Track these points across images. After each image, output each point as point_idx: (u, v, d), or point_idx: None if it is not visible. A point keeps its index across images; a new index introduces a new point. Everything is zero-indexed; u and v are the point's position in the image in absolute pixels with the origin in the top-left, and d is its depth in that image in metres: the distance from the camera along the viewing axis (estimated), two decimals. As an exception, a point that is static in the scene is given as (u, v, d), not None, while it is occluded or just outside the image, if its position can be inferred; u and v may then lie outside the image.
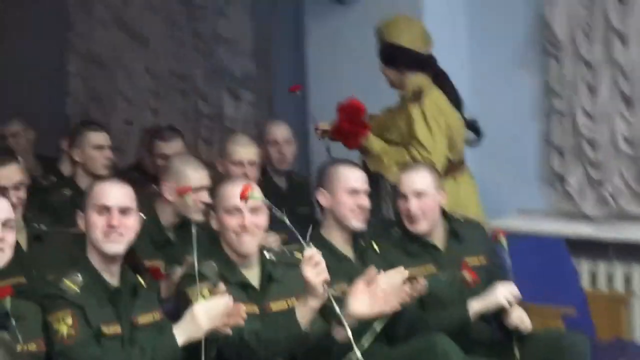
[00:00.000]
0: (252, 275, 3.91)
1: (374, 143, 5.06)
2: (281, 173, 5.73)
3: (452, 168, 5.16)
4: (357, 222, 4.27)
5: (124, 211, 3.65)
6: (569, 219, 5.77)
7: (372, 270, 3.82)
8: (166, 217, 4.62)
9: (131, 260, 3.70)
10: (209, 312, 3.48)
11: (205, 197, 4.50)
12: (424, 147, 4.97)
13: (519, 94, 5.99)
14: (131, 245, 3.68)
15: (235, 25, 7.21)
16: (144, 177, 5.86)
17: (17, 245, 4.24)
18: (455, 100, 5.21)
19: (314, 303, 3.61)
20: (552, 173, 5.88)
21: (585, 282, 5.64)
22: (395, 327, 4.07)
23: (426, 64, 5.15)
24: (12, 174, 4.46)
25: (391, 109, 5.27)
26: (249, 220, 3.87)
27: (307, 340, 3.66)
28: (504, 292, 4.22)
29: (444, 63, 5.92)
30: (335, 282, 3.89)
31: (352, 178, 4.31)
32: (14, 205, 4.23)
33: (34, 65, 8.24)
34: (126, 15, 7.66)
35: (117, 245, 3.62)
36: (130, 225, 3.66)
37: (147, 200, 4.53)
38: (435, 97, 5.10)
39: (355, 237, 4.32)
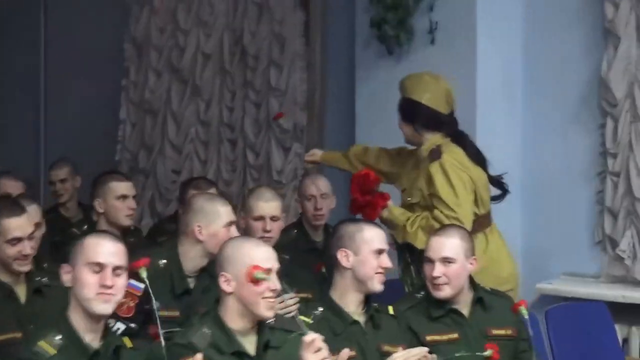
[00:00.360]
0: (249, 342, 3.65)
1: (396, 213, 4.87)
2: (317, 227, 5.58)
3: (481, 223, 4.95)
4: (379, 285, 4.14)
5: (117, 270, 3.46)
6: (619, 283, 5.58)
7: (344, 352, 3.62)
8: (190, 263, 4.47)
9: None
10: None
11: (235, 232, 4.38)
12: (448, 205, 4.77)
13: (572, 154, 5.86)
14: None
15: (287, 76, 7.12)
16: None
17: (15, 299, 4.21)
18: (476, 157, 5.01)
19: None
20: (603, 236, 5.69)
21: (635, 350, 5.42)
22: None
23: (445, 124, 4.98)
24: (26, 224, 4.31)
25: (405, 158, 5.13)
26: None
27: None
28: None
29: (498, 121, 5.84)
30: (340, 348, 3.71)
31: (378, 239, 4.17)
32: (27, 256, 4.23)
33: (87, 111, 8.24)
34: (179, 63, 7.61)
35: (108, 306, 3.41)
36: (121, 286, 3.47)
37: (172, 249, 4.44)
38: (454, 153, 4.91)
39: (368, 300, 4.17)
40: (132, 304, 4.23)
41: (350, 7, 6.39)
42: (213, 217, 4.40)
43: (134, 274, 3.95)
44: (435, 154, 4.88)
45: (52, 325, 3.38)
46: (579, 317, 5.08)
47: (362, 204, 4.81)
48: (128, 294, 4.17)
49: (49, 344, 3.30)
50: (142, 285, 4.16)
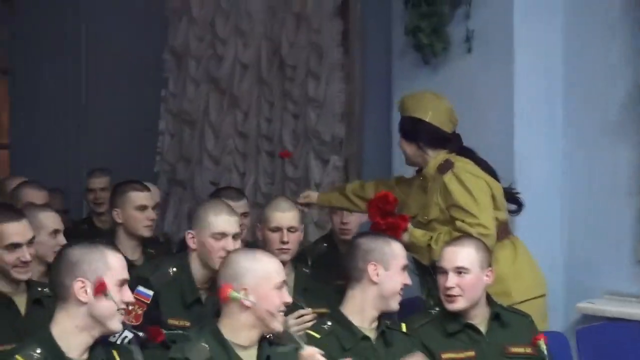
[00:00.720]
0: (249, 357, 3.56)
1: (417, 235, 4.73)
2: (345, 241, 5.44)
3: (505, 229, 4.83)
4: (397, 303, 4.06)
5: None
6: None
7: None
8: (198, 272, 4.33)
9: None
10: None
11: (231, 244, 4.25)
12: (469, 213, 4.64)
13: (615, 167, 5.62)
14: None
15: (325, 87, 6.98)
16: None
17: (15, 310, 4.08)
18: (487, 167, 4.92)
19: None
20: (647, 253, 5.46)
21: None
22: None
23: (450, 142, 4.90)
24: (25, 230, 4.17)
25: (406, 185, 5.03)
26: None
27: None
28: None
29: (537, 132, 5.67)
30: None
31: (404, 254, 4.14)
32: (26, 263, 4.10)
33: (126, 122, 8.20)
34: (218, 74, 7.51)
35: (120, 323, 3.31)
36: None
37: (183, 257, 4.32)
38: (465, 162, 4.83)
39: (380, 316, 4.05)
40: (140, 311, 4.14)
41: (387, 15, 6.23)
42: (202, 225, 4.29)
43: (142, 281, 3.86)
44: (446, 166, 4.78)
45: (33, 338, 3.24)
46: (613, 337, 4.91)
47: (384, 227, 4.66)
48: (136, 302, 4.08)
49: (26, 359, 3.13)
50: (150, 293, 4.09)
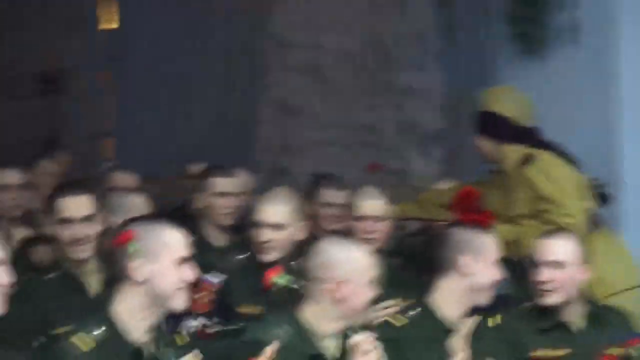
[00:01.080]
0: (331, 345, 3.40)
1: (503, 230, 4.57)
2: None
3: (596, 220, 4.68)
4: (487, 297, 3.84)
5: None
6: None
7: None
8: None
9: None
10: None
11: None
12: (555, 203, 4.51)
13: None
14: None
15: (428, 79, 6.89)
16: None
17: (84, 290, 3.95)
18: (570, 158, 4.77)
19: None
20: None
21: None
22: None
23: (529, 136, 4.77)
24: (80, 206, 3.98)
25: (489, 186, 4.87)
26: None
27: None
28: None
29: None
30: (432, 355, 3.58)
31: (495, 248, 3.89)
32: (80, 240, 3.95)
33: (227, 110, 8.19)
34: (320, 63, 7.48)
35: (185, 301, 3.15)
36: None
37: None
38: (547, 154, 4.70)
39: (469, 310, 3.86)
40: (207, 299, 4.07)
41: (489, 4, 6.10)
42: None
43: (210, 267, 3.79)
44: (528, 159, 4.68)
45: (93, 319, 3.13)
46: None
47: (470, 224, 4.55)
48: (203, 289, 4.02)
49: (82, 340, 3.04)
50: (217, 280, 4.00)
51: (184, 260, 3.13)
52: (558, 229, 4.26)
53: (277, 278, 3.31)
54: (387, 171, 7.17)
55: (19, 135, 8.81)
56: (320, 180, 5.76)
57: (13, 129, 8.91)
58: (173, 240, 3.14)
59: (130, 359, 3.07)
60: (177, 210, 6.60)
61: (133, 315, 3.10)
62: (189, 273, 3.12)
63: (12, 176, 5.08)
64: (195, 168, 6.68)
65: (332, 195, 5.45)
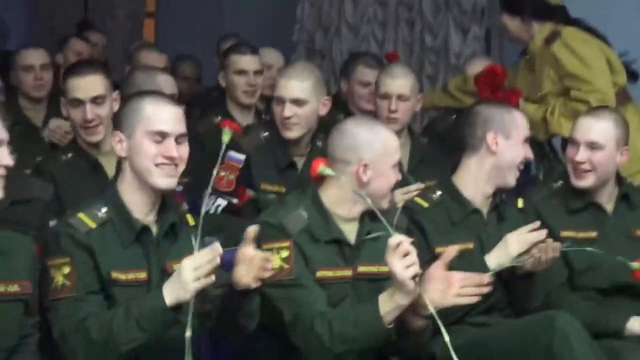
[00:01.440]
0: (350, 230, 3.32)
1: (530, 109, 4.45)
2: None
3: (626, 94, 4.54)
4: (514, 178, 3.69)
5: (179, 139, 3.03)
6: None
7: (451, 249, 3.21)
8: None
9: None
10: (197, 267, 2.78)
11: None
12: (583, 80, 4.37)
13: None
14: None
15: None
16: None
17: (102, 173, 3.89)
18: (597, 34, 4.63)
19: (402, 300, 3.01)
20: None
21: None
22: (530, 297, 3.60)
23: (556, 12, 4.63)
24: (90, 86, 3.89)
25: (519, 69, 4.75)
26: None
27: (389, 340, 3.09)
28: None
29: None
30: (456, 237, 3.47)
31: (526, 126, 3.71)
32: (90, 121, 3.89)
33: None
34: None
35: (172, 180, 3.02)
36: (185, 157, 3.06)
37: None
38: (573, 30, 4.56)
39: (495, 192, 3.71)
40: (232, 177, 4.00)
41: None
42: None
43: (234, 146, 3.70)
44: (553, 36, 4.54)
45: (98, 197, 3.08)
46: None
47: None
48: (227, 167, 3.95)
49: (90, 218, 2.98)
50: (242, 157, 3.93)
51: (163, 135, 3.00)
52: (601, 107, 4.06)
53: (324, 168, 3.18)
54: (425, 49, 7.04)
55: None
56: (356, 58, 5.66)
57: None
58: (149, 114, 3.01)
59: (136, 236, 3.02)
60: (211, 90, 6.56)
61: (131, 193, 3.04)
62: (168, 148, 2.99)
63: (35, 56, 5.03)
64: (225, 45, 6.59)
65: (367, 74, 5.35)
